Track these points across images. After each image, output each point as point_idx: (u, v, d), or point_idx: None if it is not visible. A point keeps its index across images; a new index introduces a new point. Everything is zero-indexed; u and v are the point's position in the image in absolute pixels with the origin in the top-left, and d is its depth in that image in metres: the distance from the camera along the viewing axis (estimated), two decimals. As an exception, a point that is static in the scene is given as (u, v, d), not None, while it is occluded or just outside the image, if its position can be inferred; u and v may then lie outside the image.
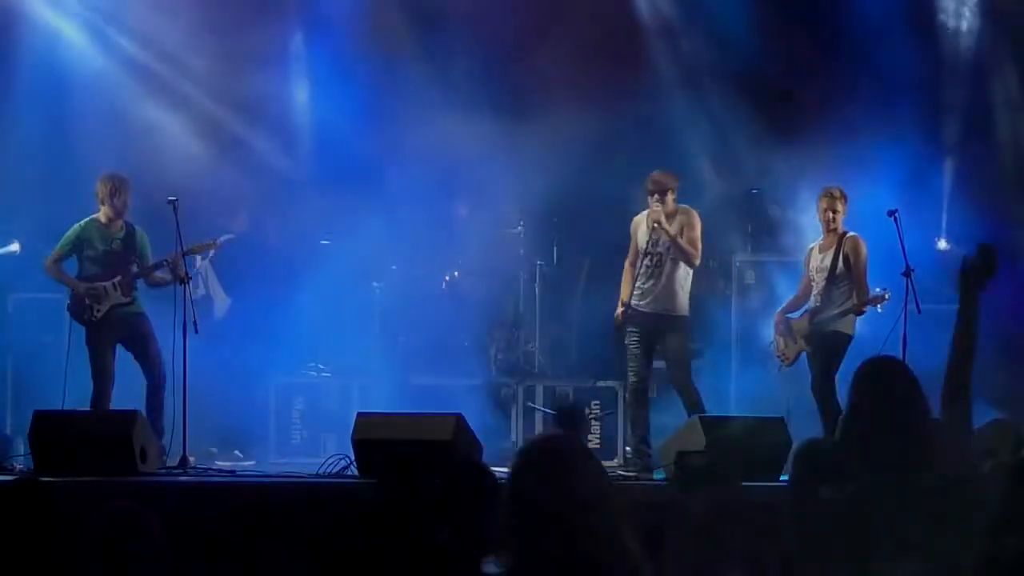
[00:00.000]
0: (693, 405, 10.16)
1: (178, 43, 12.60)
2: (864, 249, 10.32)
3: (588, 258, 12.77)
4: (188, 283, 10.13)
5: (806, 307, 10.52)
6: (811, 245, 10.68)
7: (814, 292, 10.43)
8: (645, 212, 10.43)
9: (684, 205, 10.44)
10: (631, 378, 10.29)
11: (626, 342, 10.30)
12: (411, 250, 12.47)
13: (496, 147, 12.39)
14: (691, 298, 10.76)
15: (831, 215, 10.35)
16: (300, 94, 13.07)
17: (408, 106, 12.43)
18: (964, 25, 12.98)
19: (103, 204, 10.48)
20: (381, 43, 12.61)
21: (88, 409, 10.14)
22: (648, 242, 10.25)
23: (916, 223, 10.88)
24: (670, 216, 10.22)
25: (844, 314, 10.22)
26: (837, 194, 10.42)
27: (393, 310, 12.45)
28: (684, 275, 10.27)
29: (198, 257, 11.89)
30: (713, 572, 4.75)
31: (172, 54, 12.64)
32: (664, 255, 10.24)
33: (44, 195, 12.06)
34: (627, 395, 10.51)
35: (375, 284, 12.52)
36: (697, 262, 10.30)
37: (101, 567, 4.55)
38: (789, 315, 10.63)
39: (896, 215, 10.22)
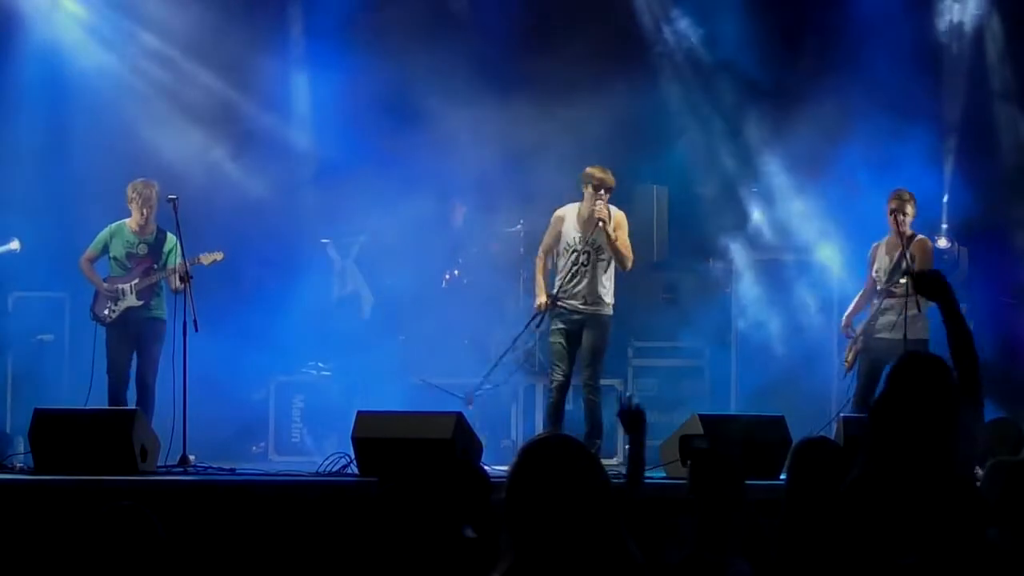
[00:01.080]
0: (592, 408, 10.00)
1: (179, 42, 12.59)
2: (931, 251, 10.28)
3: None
4: (189, 282, 10.13)
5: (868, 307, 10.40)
6: (876, 243, 10.53)
7: (880, 294, 10.30)
8: (571, 206, 10.22)
9: (614, 207, 10.29)
10: (557, 377, 10.05)
11: (551, 340, 10.14)
12: (411, 249, 12.47)
13: (497, 146, 12.41)
14: (691, 297, 10.76)
15: (901, 217, 10.19)
16: (300, 92, 13.06)
17: (409, 105, 12.43)
18: (964, 14, 12.96)
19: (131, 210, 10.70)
20: (383, 42, 12.61)
21: (90, 408, 10.13)
22: (580, 239, 10.11)
23: (916, 221, 10.87)
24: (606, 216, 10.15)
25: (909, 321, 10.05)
26: (907, 196, 10.31)
27: (393, 309, 12.45)
28: (610, 275, 10.10)
29: (335, 257, 12.04)
30: (716, 567, 4.76)
31: (173, 53, 12.63)
32: (594, 254, 10.09)
33: (45, 193, 12.07)
34: (552, 393, 10.12)
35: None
36: (630, 265, 10.17)
37: (102, 566, 4.54)
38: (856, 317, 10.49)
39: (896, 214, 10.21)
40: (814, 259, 12.51)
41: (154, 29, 12.62)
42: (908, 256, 10.13)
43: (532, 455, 3.54)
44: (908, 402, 4.36)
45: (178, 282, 10.30)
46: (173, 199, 10.25)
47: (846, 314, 10.59)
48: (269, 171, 12.78)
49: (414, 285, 12.44)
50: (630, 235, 10.82)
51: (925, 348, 9.86)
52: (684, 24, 13.15)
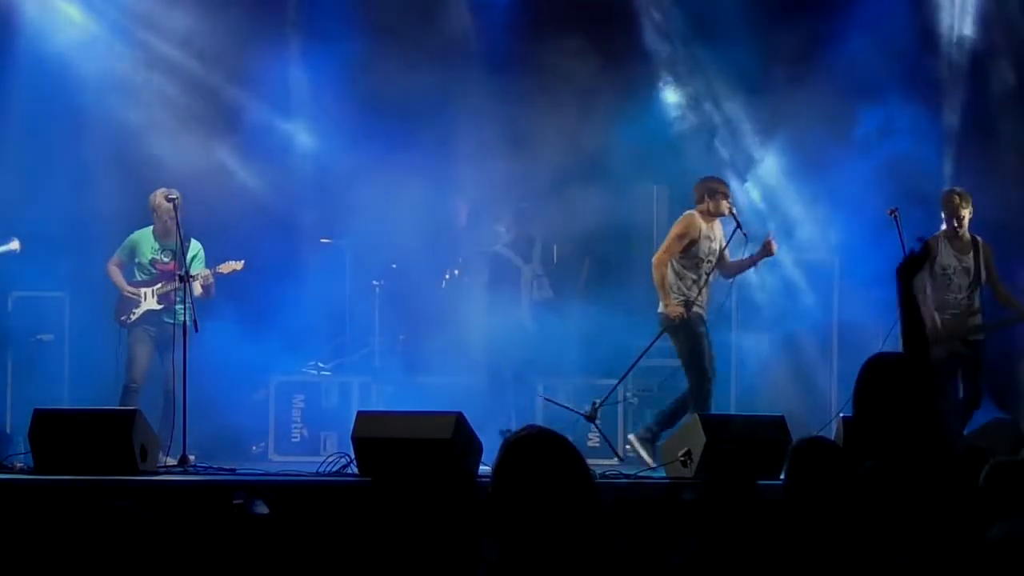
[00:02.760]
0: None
1: (178, 40, 12.59)
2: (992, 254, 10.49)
3: (588, 257, 12.76)
4: (188, 282, 10.14)
5: (945, 304, 10.39)
6: (935, 234, 10.51)
7: (952, 292, 10.37)
8: (696, 213, 10.33)
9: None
10: (710, 374, 10.18)
11: (703, 343, 10.16)
12: (411, 248, 12.47)
13: (497, 145, 12.41)
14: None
15: (957, 218, 10.34)
16: (301, 90, 13.03)
17: (409, 104, 12.41)
18: (963, 11, 12.89)
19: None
20: (382, 41, 12.61)
21: (90, 407, 10.13)
22: (711, 249, 10.20)
23: (916, 220, 10.86)
24: None
25: (1012, 323, 10.33)
26: (956, 199, 10.40)
27: (393, 309, 12.46)
28: None
29: (519, 262, 12.03)
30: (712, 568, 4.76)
31: (171, 51, 12.62)
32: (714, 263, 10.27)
33: (45, 193, 12.06)
34: (701, 393, 10.18)
35: (375, 283, 12.52)
36: None
37: (100, 566, 4.54)
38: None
39: (896, 213, 10.21)
40: (815, 257, 12.50)
41: (153, 28, 12.61)
42: (983, 262, 10.34)
43: (514, 449, 3.53)
44: (881, 402, 4.39)
45: (199, 289, 10.37)
46: (173, 199, 10.25)
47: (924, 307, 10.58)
48: (269, 170, 12.78)
49: (414, 285, 12.45)
50: (631, 234, 10.87)
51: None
52: (682, 23, 13.13)
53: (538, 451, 3.52)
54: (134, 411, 9.32)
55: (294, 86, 13.03)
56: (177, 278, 10.30)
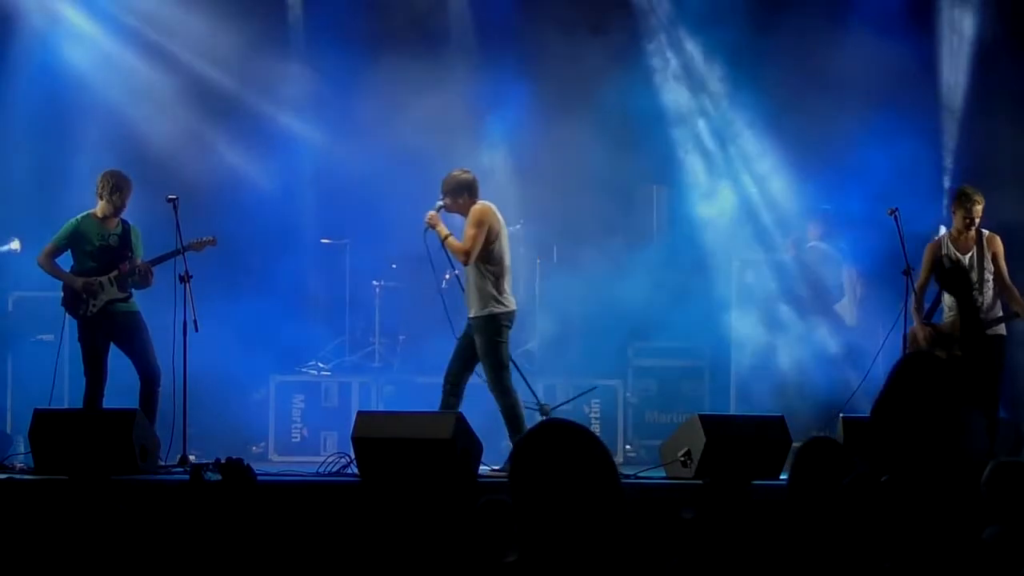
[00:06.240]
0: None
1: (175, 38, 12.60)
2: (1002, 248, 10.14)
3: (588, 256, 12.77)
4: (188, 282, 10.10)
5: (942, 308, 10.22)
6: (937, 237, 10.45)
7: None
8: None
9: None
10: None
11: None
12: (411, 248, 12.46)
13: (497, 144, 12.41)
14: (691, 297, 10.76)
15: (967, 217, 10.10)
16: (299, 87, 13.03)
17: (409, 102, 12.41)
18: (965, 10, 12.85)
19: (102, 200, 10.21)
20: (381, 38, 12.62)
21: (80, 407, 10.09)
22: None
23: (916, 220, 10.86)
24: None
25: (1006, 320, 10.01)
26: (970, 192, 10.17)
27: (393, 308, 12.46)
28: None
29: (842, 263, 11.98)
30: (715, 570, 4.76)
31: (169, 51, 12.63)
32: None
33: (46, 193, 12.06)
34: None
35: (375, 283, 12.52)
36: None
37: (95, 565, 4.55)
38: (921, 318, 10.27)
39: (896, 213, 10.20)
40: (814, 257, 12.49)
41: (153, 24, 12.62)
42: (988, 255, 10.04)
43: (534, 437, 3.49)
44: (909, 402, 4.36)
45: (151, 279, 10.19)
46: (173, 199, 10.20)
47: (918, 319, 10.34)
48: (267, 170, 12.78)
49: (414, 284, 12.45)
50: (630, 235, 10.78)
51: (1004, 342, 10.02)
52: (684, 22, 13.13)
53: (558, 436, 3.47)
54: (134, 411, 9.30)
55: (295, 82, 13.03)
56: (179, 278, 10.18)
